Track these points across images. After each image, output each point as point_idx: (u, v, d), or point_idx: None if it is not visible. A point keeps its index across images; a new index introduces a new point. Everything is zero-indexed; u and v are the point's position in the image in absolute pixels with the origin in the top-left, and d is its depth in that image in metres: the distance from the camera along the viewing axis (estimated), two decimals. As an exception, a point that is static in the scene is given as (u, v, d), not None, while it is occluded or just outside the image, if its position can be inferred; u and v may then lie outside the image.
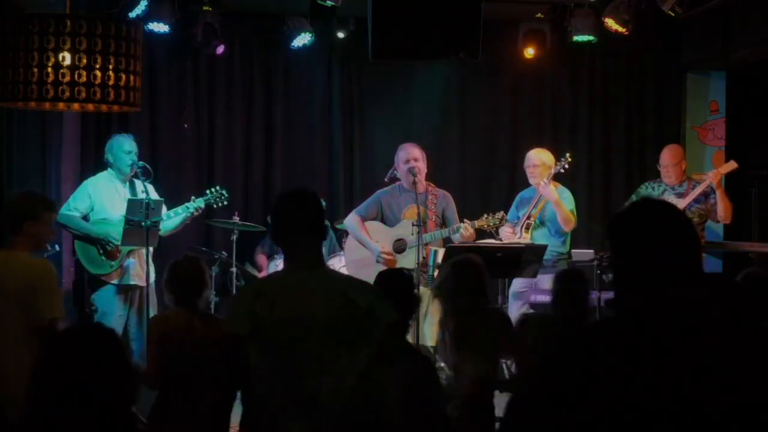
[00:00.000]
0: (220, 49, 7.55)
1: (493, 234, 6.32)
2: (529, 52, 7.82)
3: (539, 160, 6.60)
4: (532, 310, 6.50)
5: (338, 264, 6.71)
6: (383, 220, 6.22)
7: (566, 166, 6.55)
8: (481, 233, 6.20)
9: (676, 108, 8.35)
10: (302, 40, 7.53)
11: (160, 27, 7.09)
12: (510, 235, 6.40)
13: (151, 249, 6.00)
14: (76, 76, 4.19)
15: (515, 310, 6.27)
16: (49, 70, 4.18)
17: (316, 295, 2.95)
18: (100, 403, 2.28)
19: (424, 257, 5.84)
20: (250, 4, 7.78)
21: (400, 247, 6.11)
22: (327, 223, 7.28)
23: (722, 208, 6.54)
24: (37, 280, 3.86)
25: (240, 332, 2.94)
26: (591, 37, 7.55)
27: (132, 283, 6.14)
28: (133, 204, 5.93)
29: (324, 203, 7.47)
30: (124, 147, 6.21)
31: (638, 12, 7.24)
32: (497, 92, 8.23)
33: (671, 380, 1.92)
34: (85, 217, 6.16)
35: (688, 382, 1.92)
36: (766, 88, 7.89)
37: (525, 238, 6.39)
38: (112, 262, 6.11)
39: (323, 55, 7.95)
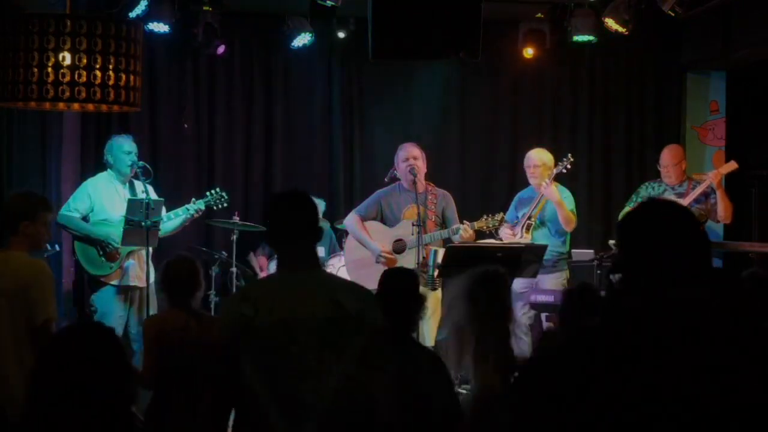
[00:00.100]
0: (221, 49, 7.55)
1: (493, 234, 6.32)
2: (528, 52, 7.83)
3: (540, 160, 6.60)
4: (533, 311, 6.51)
5: (338, 264, 6.71)
6: (383, 220, 6.22)
7: (568, 166, 6.55)
8: (480, 233, 6.20)
9: (676, 108, 8.35)
10: (302, 40, 7.53)
11: (160, 27, 7.09)
12: (510, 236, 6.40)
13: (150, 249, 6.00)
14: (76, 76, 4.19)
15: (515, 311, 6.27)
16: (49, 70, 4.18)
17: (303, 297, 2.94)
18: (99, 403, 2.28)
19: (424, 257, 5.84)
20: (250, 4, 7.78)
21: (399, 247, 6.11)
22: (327, 223, 7.36)
23: (722, 208, 6.54)
24: (31, 280, 3.86)
25: (229, 336, 2.94)
26: (591, 37, 7.55)
27: (132, 284, 6.14)
28: (133, 204, 5.93)
29: (324, 203, 7.60)
30: (124, 147, 6.21)
31: (638, 12, 7.24)
32: (497, 92, 8.23)
33: (671, 380, 1.92)
34: (85, 218, 6.15)
35: (688, 382, 1.92)
36: (766, 88, 7.88)
37: (526, 239, 6.39)
38: (112, 264, 6.11)
39: (323, 55, 7.95)
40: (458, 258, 5.70)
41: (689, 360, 1.93)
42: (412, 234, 5.91)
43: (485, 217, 5.99)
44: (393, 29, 6.28)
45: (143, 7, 6.73)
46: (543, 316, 6.46)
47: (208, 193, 6.46)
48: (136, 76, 4.38)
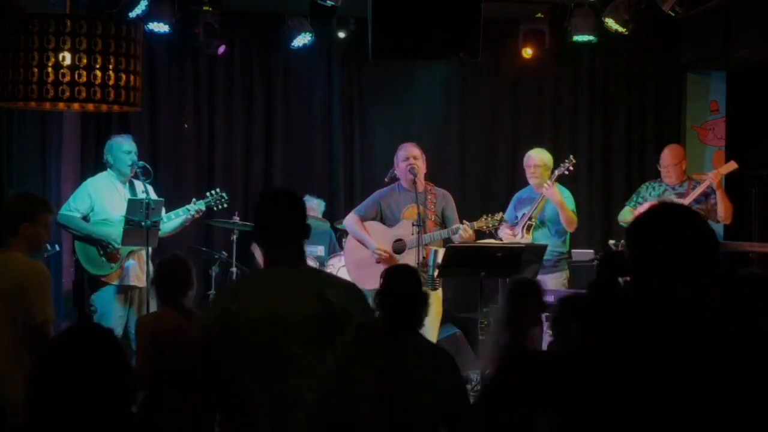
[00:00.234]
0: (221, 49, 7.55)
1: (493, 234, 6.32)
2: (528, 52, 7.83)
3: (540, 160, 6.60)
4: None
5: (338, 264, 6.71)
6: (382, 220, 6.22)
7: (570, 168, 6.55)
8: (480, 233, 6.20)
9: (676, 108, 8.35)
10: (302, 40, 7.53)
11: (160, 27, 7.10)
12: (510, 236, 6.40)
13: (150, 249, 6.00)
14: (76, 76, 4.19)
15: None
16: (49, 70, 4.18)
17: (290, 294, 2.95)
18: (99, 404, 2.28)
19: (424, 257, 5.84)
20: (250, 4, 7.78)
21: (399, 247, 6.11)
22: (327, 223, 7.36)
23: (722, 208, 6.54)
24: (29, 281, 3.86)
25: (213, 333, 2.94)
26: (591, 37, 7.55)
27: (132, 284, 6.14)
28: (133, 204, 5.93)
29: (324, 203, 7.60)
30: (124, 147, 6.21)
31: (638, 12, 7.24)
32: (497, 92, 8.23)
33: (671, 380, 1.92)
34: (85, 218, 6.15)
35: (688, 382, 1.92)
36: (766, 88, 7.88)
37: (526, 239, 6.39)
38: (112, 264, 6.11)
39: (323, 55, 7.95)
40: (458, 258, 5.70)
41: (689, 360, 1.93)
42: (412, 234, 5.91)
43: (485, 216, 5.99)
44: (393, 29, 6.28)
45: (143, 7, 6.73)
46: (544, 316, 6.45)
47: (208, 194, 6.46)
48: (136, 76, 4.38)
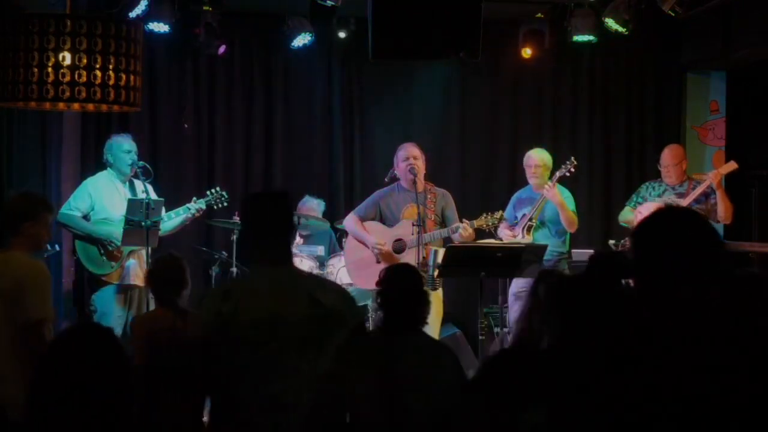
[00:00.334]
0: (222, 49, 7.55)
1: (493, 234, 6.32)
2: (527, 52, 7.83)
3: (541, 160, 6.60)
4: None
5: (338, 264, 6.71)
6: (382, 221, 6.22)
7: (572, 169, 6.55)
8: (481, 233, 6.20)
9: (676, 108, 8.35)
10: (302, 40, 7.53)
11: (160, 27, 7.09)
12: (510, 237, 6.40)
13: (150, 249, 6.00)
14: (76, 76, 4.19)
15: (515, 311, 6.26)
16: (49, 70, 4.18)
17: (282, 295, 2.95)
18: (99, 403, 2.28)
19: (424, 257, 5.84)
20: (250, 4, 7.78)
21: (399, 247, 6.11)
22: (327, 223, 7.36)
23: (723, 208, 6.54)
24: (27, 279, 3.86)
25: (206, 334, 2.94)
26: (591, 37, 7.55)
27: (132, 283, 6.14)
28: (133, 204, 5.93)
29: (324, 203, 7.59)
30: (124, 147, 6.22)
31: (638, 12, 7.24)
32: (497, 92, 8.23)
33: (672, 380, 1.92)
34: (86, 217, 6.16)
35: (688, 382, 1.92)
36: (766, 88, 7.88)
37: (527, 240, 6.39)
38: (113, 263, 6.11)
39: (323, 55, 7.95)
40: (458, 258, 5.70)
41: (689, 360, 1.93)
42: (412, 234, 5.91)
43: (485, 215, 5.99)
44: (393, 29, 6.28)
45: (143, 7, 6.73)
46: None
47: (208, 192, 6.47)
48: (136, 76, 4.38)
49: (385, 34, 6.28)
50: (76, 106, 4.71)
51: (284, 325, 2.90)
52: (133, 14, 6.65)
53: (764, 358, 1.97)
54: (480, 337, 5.92)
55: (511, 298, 6.54)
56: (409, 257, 5.90)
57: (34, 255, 4.10)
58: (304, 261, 6.82)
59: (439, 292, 5.97)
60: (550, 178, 6.53)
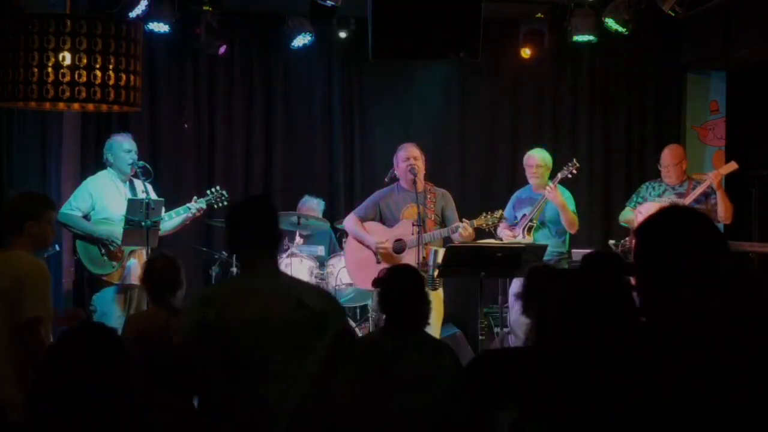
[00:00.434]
0: (223, 49, 7.55)
1: (492, 233, 6.32)
2: (527, 52, 7.83)
3: (542, 160, 6.60)
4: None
5: (338, 264, 6.71)
6: (382, 221, 6.22)
7: (574, 171, 6.55)
8: (481, 233, 6.20)
9: (676, 108, 8.35)
10: (302, 40, 7.53)
11: (160, 27, 7.09)
12: (510, 237, 6.40)
13: (150, 249, 6.00)
14: (76, 76, 4.19)
15: (516, 311, 6.26)
16: (49, 70, 4.18)
17: (269, 299, 2.95)
18: (101, 403, 2.28)
19: (424, 257, 5.84)
20: (250, 4, 7.77)
21: (399, 247, 6.11)
22: (327, 222, 7.36)
23: (723, 208, 6.54)
24: (27, 279, 3.86)
25: (186, 339, 2.94)
26: (591, 37, 7.55)
27: (133, 282, 6.14)
28: (133, 204, 5.93)
29: (324, 203, 7.59)
30: (124, 146, 6.22)
31: (638, 12, 7.24)
32: (497, 92, 8.23)
33: (672, 381, 1.92)
34: (86, 217, 6.16)
35: (688, 383, 1.92)
36: (766, 88, 7.88)
37: (527, 241, 6.39)
38: (114, 263, 6.11)
39: (323, 55, 7.95)
40: (458, 258, 5.70)
41: (690, 360, 1.93)
42: (412, 234, 5.91)
43: (484, 214, 5.99)
44: (393, 29, 6.29)
45: (143, 7, 6.73)
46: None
47: (208, 192, 6.48)
48: (136, 76, 4.38)
49: (385, 34, 6.28)
50: (76, 106, 4.71)
51: (271, 329, 2.90)
52: (133, 14, 6.65)
53: (764, 358, 1.97)
54: (480, 337, 5.92)
55: (511, 298, 6.53)
56: (409, 257, 5.90)
57: (36, 254, 4.11)
58: (304, 261, 6.82)
59: (440, 292, 5.97)
60: (551, 179, 6.54)
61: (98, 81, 4.22)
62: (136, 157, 6.20)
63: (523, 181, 6.82)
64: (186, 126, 7.75)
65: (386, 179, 6.39)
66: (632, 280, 2.33)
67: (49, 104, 4.62)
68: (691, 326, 1.98)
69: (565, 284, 2.35)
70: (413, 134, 7.33)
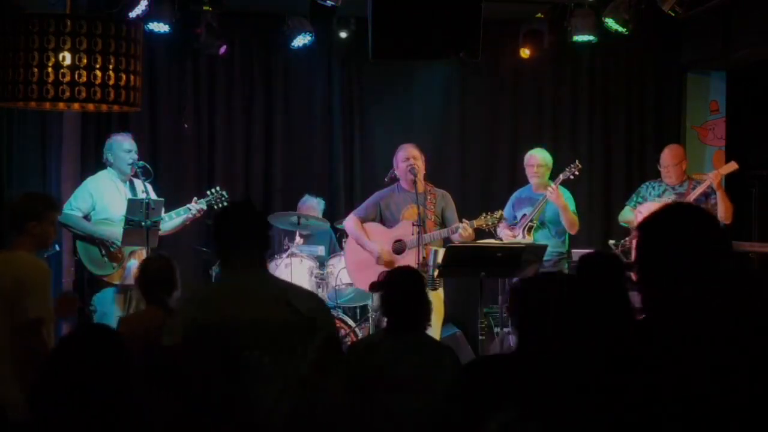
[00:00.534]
0: (223, 49, 7.55)
1: (492, 233, 6.32)
2: (527, 52, 7.83)
3: (543, 159, 6.61)
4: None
5: (338, 264, 6.71)
6: (382, 221, 6.22)
7: (576, 173, 6.55)
8: (481, 233, 6.20)
9: (676, 108, 8.35)
10: (302, 40, 7.53)
11: (160, 27, 7.09)
12: (510, 237, 6.40)
13: (150, 249, 6.00)
14: (76, 76, 4.20)
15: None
16: (50, 70, 4.18)
17: (258, 301, 2.96)
18: (102, 403, 2.29)
19: (424, 257, 5.84)
20: (250, 4, 7.77)
21: (399, 247, 6.11)
22: (327, 222, 7.35)
23: (723, 208, 6.54)
24: (28, 279, 3.86)
25: (178, 341, 2.95)
26: (591, 37, 7.55)
27: (132, 283, 6.14)
28: (133, 204, 5.93)
29: (324, 203, 7.59)
30: (124, 146, 6.22)
31: (638, 12, 7.24)
32: (497, 92, 8.23)
33: (672, 380, 1.92)
34: (86, 217, 6.16)
35: (688, 383, 1.92)
36: (766, 88, 7.88)
37: (527, 241, 6.39)
38: (115, 264, 6.11)
39: (323, 55, 7.95)
40: (458, 258, 5.70)
41: (690, 360, 1.93)
42: (412, 234, 5.91)
43: (484, 215, 5.99)
44: (393, 29, 6.29)
45: (143, 7, 6.73)
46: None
47: (208, 192, 6.47)
48: (136, 76, 4.39)
49: (385, 34, 6.28)
50: (76, 106, 4.71)
51: (260, 331, 2.90)
52: (133, 14, 6.65)
53: (764, 358, 1.97)
54: (480, 337, 5.92)
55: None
56: (409, 257, 5.90)
57: (39, 254, 4.11)
58: (304, 261, 6.82)
59: (440, 292, 5.97)
60: (552, 179, 6.54)
61: (98, 81, 4.22)
62: (136, 157, 6.20)
63: (523, 181, 6.82)
64: (186, 126, 7.75)
65: (386, 179, 6.39)
66: (633, 276, 2.33)
67: (49, 104, 4.62)
68: (691, 325, 1.98)
69: (563, 286, 2.35)
70: (413, 134, 7.33)
